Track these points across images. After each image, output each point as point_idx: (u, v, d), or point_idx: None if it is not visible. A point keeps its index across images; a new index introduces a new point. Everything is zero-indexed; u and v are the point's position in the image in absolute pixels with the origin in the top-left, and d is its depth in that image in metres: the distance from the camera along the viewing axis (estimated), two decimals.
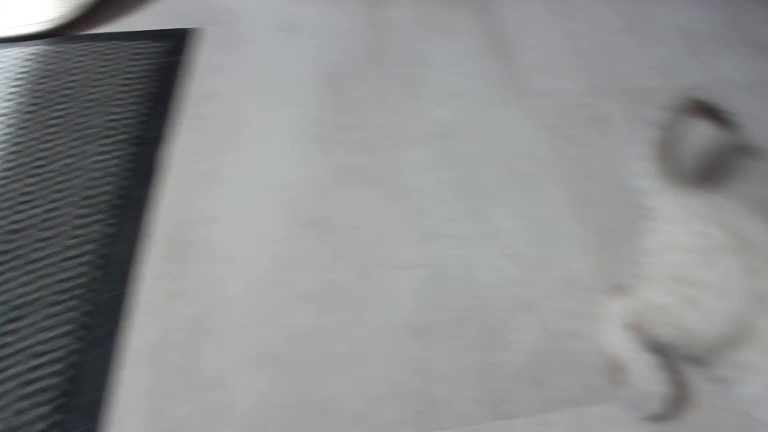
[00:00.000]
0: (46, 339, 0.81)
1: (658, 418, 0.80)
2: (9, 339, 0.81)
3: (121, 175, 0.99)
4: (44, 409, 0.76)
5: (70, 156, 1.00)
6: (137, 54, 1.18)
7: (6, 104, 1.06)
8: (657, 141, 0.92)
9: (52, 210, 0.93)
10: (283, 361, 0.82)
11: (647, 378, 0.80)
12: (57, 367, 0.80)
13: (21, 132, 1.02)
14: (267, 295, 0.88)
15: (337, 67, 1.20)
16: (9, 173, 0.97)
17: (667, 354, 0.82)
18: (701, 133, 1.01)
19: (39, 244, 0.89)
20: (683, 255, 0.82)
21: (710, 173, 1.05)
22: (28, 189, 0.95)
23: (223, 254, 0.92)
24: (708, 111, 0.97)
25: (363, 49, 1.24)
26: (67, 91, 1.09)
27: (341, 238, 0.95)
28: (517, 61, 1.24)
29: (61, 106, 1.07)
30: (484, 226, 0.97)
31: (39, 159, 0.99)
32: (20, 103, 1.06)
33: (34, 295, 0.84)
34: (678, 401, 0.81)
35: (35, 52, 1.15)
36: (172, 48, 1.20)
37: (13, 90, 1.08)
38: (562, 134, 1.11)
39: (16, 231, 0.90)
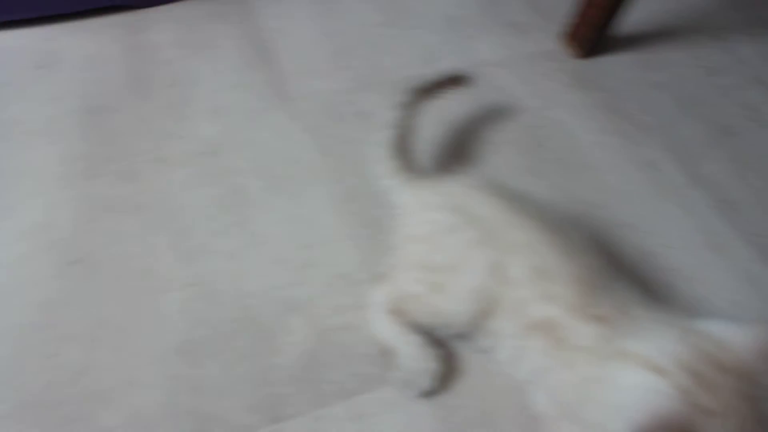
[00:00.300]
0: None
1: (429, 393, 0.85)
2: None
3: None
4: None
5: None
6: None
7: None
8: (388, 140, 0.97)
9: None
10: (46, 408, 0.81)
11: (415, 357, 0.85)
12: None
13: None
14: (30, 343, 0.86)
15: (98, 99, 1.18)
16: None
17: (432, 332, 0.87)
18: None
19: None
20: (420, 244, 0.87)
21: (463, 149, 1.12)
22: None
23: None
24: (434, 86, 1.03)
25: (124, 78, 1.23)
26: None
27: (107, 270, 0.94)
28: (280, 68, 1.27)
29: None
30: (251, 237, 0.99)
31: None
32: None
33: None
34: (447, 375, 0.86)
35: None
36: None
37: None
38: (326, 134, 1.15)
39: None
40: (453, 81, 1.06)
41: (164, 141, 1.12)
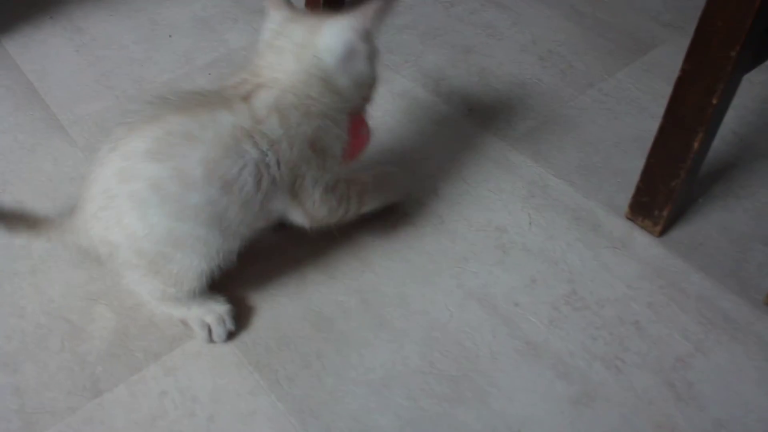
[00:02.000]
0: None
1: (229, 336, 0.94)
2: None
3: None
4: None
5: None
6: None
7: None
8: None
9: None
10: None
11: (204, 315, 0.93)
12: None
13: None
14: None
15: None
16: None
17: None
18: None
19: None
20: None
21: None
22: None
23: None
24: None
25: None
26: None
27: None
28: (48, 102, 1.32)
29: None
30: (47, 253, 1.05)
31: None
32: None
33: None
34: (239, 315, 0.95)
35: None
36: None
37: None
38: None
39: None
40: None
41: None
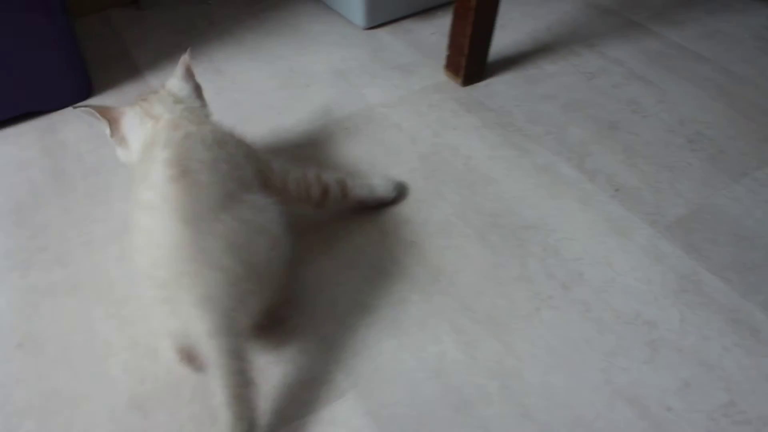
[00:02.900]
0: None
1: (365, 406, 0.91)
2: None
3: None
4: None
5: None
6: None
7: None
8: None
9: None
10: None
11: None
12: None
13: None
14: None
15: (23, 198, 1.25)
16: None
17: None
18: None
19: None
20: None
21: None
22: None
23: None
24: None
25: (44, 175, 1.30)
26: None
27: (52, 347, 0.99)
28: None
29: None
30: None
31: None
32: None
33: None
34: (374, 386, 0.92)
35: None
36: None
37: None
38: None
39: None
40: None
41: (91, 225, 1.19)
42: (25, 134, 1.42)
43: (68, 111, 1.47)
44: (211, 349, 0.79)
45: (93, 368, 0.97)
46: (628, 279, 1.07)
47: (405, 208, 1.19)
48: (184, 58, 1.06)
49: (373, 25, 1.73)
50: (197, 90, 1.07)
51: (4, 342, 1.01)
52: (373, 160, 1.30)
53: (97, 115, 0.99)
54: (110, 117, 1.00)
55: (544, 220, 1.17)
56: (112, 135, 1.01)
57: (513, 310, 1.02)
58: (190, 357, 0.94)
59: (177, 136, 0.93)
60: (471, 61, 1.44)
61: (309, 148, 1.33)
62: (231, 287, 0.82)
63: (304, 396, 0.92)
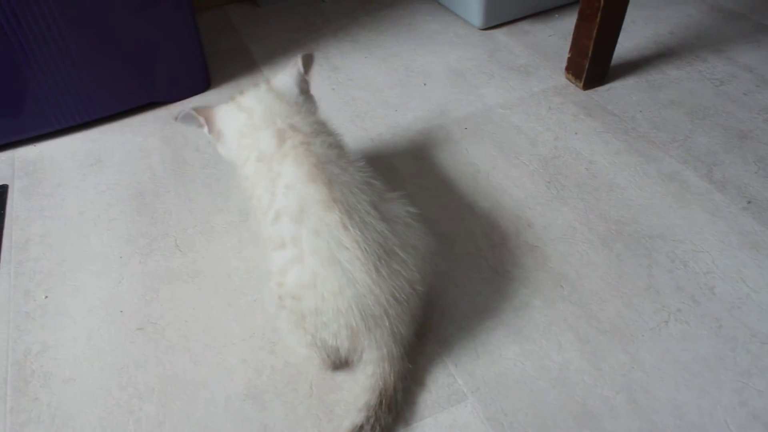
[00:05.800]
0: None
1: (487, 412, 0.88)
2: None
3: None
4: None
5: None
6: None
7: None
8: None
9: None
10: None
11: None
12: None
13: None
14: (109, 404, 0.93)
15: (145, 185, 1.28)
16: None
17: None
18: None
19: None
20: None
21: None
22: None
23: (63, 377, 0.96)
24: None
25: (165, 164, 1.33)
26: None
27: (172, 332, 1.01)
28: None
29: None
30: None
31: None
32: None
33: None
34: (495, 391, 0.90)
35: None
36: None
37: None
38: None
39: None
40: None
41: (209, 214, 1.21)
42: (147, 124, 1.46)
43: (187, 103, 1.50)
44: (382, 372, 0.87)
45: (211, 356, 0.98)
46: (764, 296, 1.01)
47: (527, 212, 1.16)
48: (297, 62, 1.06)
49: (490, 26, 1.70)
50: (305, 89, 1.06)
51: (126, 324, 1.03)
52: (493, 162, 1.27)
53: (194, 113, 1.01)
54: (205, 115, 1.02)
55: (672, 230, 1.12)
56: (209, 131, 1.02)
57: (640, 321, 0.98)
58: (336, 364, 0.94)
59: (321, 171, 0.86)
60: (594, 64, 1.40)
61: (427, 148, 1.32)
62: (411, 319, 0.88)
63: (423, 398, 0.91)
